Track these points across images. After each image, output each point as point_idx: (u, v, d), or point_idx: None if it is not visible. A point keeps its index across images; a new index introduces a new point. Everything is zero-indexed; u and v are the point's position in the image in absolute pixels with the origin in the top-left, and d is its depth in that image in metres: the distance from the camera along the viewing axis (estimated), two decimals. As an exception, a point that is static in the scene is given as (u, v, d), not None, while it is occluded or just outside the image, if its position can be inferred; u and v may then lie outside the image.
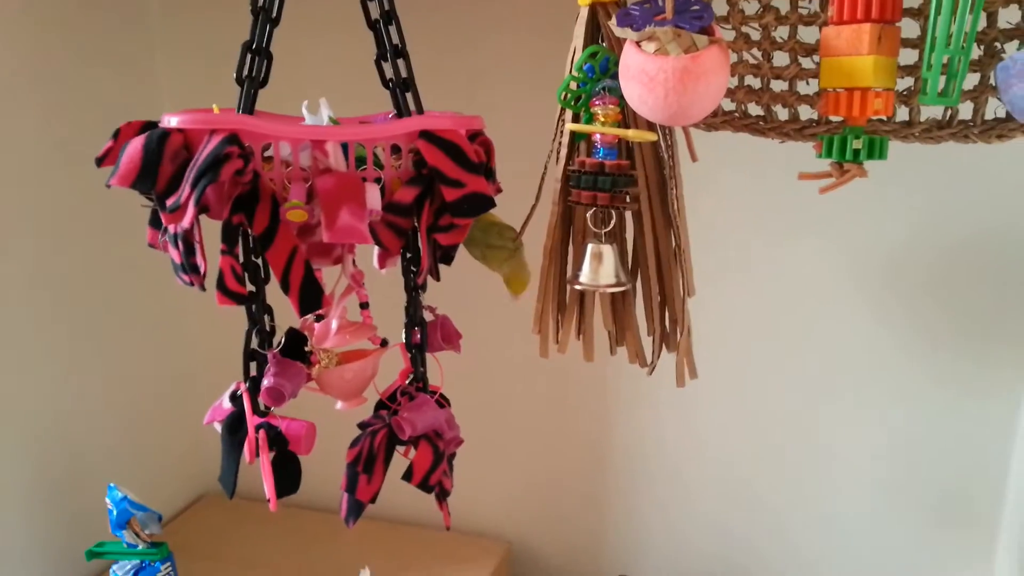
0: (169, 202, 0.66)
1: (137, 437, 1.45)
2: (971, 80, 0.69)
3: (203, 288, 0.71)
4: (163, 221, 0.69)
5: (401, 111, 0.77)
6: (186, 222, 0.65)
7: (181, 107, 0.69)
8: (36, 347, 1.24)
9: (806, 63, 0.74)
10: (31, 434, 1.23)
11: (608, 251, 0.82)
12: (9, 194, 1.17)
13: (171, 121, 0.68)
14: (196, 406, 1.58)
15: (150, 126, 0.70)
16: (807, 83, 0.75)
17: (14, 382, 1.20)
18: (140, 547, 1.13)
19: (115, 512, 1.10)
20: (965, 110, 0.73)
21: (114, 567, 1.14)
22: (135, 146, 0.66)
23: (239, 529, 1.52)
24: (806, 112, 0.77)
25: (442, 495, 0.85)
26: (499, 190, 0.86)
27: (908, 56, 0.70)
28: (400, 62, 0.76)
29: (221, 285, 0.70)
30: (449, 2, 1.29)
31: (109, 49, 1.35)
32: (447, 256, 0.82)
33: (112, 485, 1.11)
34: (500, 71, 1.29)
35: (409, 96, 0.77)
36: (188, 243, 0.68)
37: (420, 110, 0.78)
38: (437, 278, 0.84)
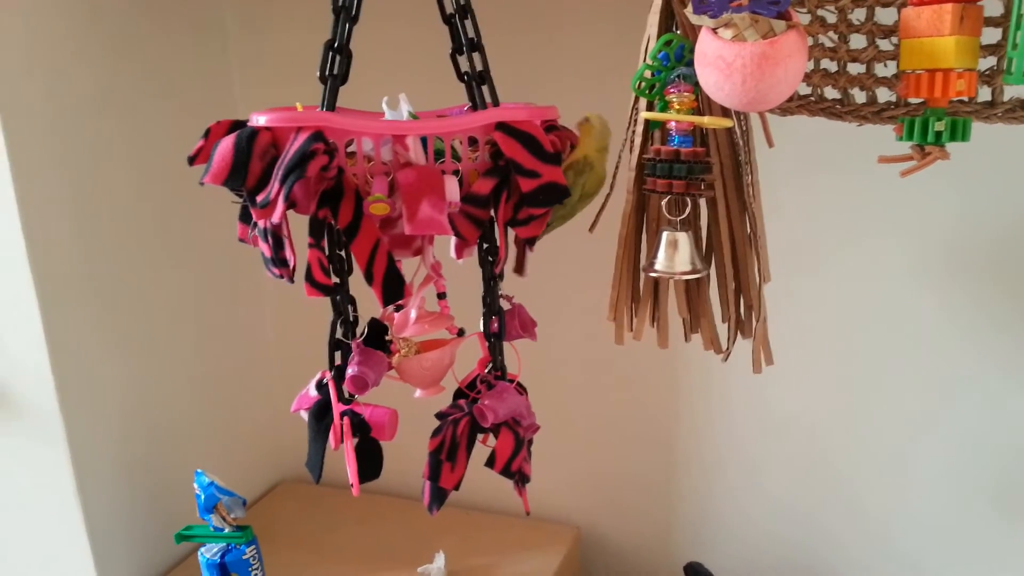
0: (259, 198, 0.69)
1: (219, 426, 1.50)
2: (1058, 58, 0.68)
3: (292, 280, 0.74)
4: (253, 216, 0.71)
5: (477, 104, 0.78)
6: (276, 217, 0.68)
7: (255, 108, 0.71)
8: (123, 340, 1.28)
9: (884, 45, 0.73)
10: (121, 424, 1.28)
11: (683, 238, 0.82)
12: (98, 190, 1.22)
13: (259, 120, 0.70)
14: (274, 396, 1.63)
15: (239, 125, 0.73)
16: (884, 65, 0.74)
17: (105, 375, 1.25)
18: (226, 530, 1.17)
19: (203, 497, 1.14)
20: (1051, 89, 0.71)
21: (202, 549, 1.18)
22: (226, 145, 0.69)
23: (316, 514, 1.56)
24: (883, 95, 0.76)
25: (522, 480, 0.86)
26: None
27: (991, 35, 0.69)
28: (476, 55, 0.78)
29: (309, 277, 0.72)
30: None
31: (187, 63, 1.39)
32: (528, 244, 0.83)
33: (200, 471, 1.15)
34: (573, 61, 1.29)
35: (485, 89, 0.79)
36: (277, 238, 0.71)
37: (496, 102, 0.80)
38: (523, 273, 0.85)
